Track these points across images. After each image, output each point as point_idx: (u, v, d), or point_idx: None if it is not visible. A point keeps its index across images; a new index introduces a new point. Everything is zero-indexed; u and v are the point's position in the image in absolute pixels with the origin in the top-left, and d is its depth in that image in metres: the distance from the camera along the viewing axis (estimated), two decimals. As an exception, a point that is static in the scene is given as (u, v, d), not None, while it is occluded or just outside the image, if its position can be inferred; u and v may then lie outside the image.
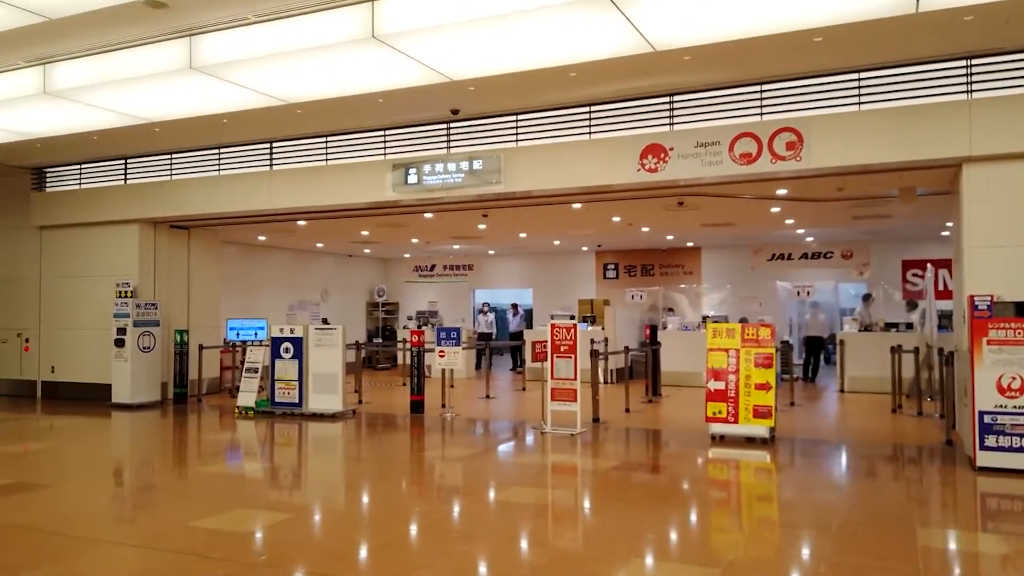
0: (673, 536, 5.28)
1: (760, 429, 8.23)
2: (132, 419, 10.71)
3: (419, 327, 16.99)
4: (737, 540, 5.16)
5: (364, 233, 15.31)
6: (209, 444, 9.35)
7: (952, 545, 5.05)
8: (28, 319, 13.02)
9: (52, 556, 4.73)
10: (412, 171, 10.00)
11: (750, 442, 8.21)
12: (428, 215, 12.22)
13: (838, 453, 8.21)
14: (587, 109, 9.32)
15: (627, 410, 10.71)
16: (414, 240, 16.74)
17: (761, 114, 8.48)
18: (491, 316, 19.30)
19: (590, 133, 9.33)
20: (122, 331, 11.49)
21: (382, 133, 10.39)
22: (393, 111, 9.51)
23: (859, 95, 8.07)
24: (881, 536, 5.04)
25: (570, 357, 9.04)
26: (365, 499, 6.42)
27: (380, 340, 20.07)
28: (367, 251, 19.80)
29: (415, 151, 10.21)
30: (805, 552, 4.82)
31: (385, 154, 10.39)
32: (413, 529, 5.42)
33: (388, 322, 21.08)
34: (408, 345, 11.68)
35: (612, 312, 15.56)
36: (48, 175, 12.90)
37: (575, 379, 8.99)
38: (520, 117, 9.63)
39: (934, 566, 4.59)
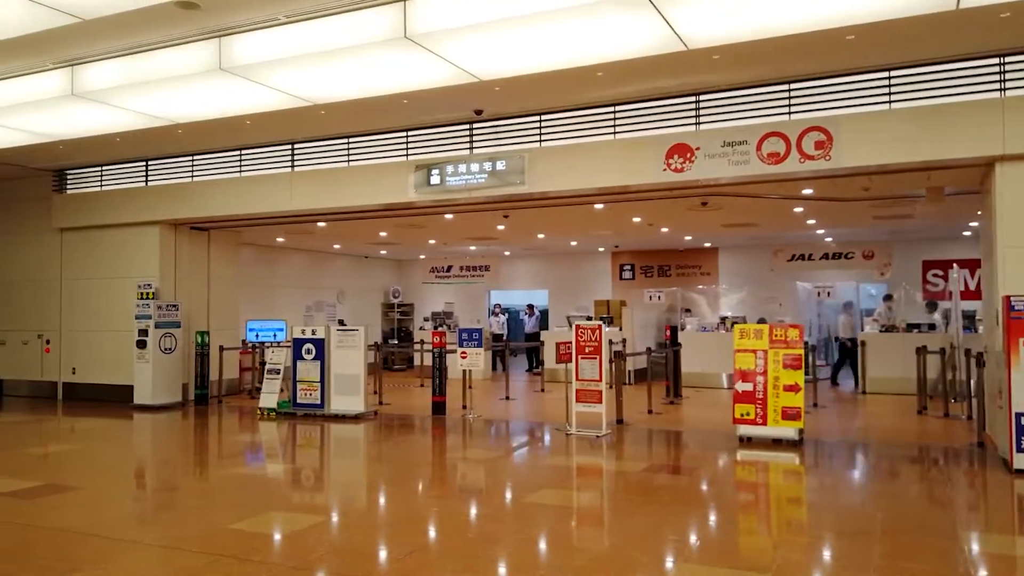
0: (715, 540, 5.22)
1: (789, 431, 8.16)
2: (155, 420, 10.71)
3: (435, 328, 16.99)
4: (781, 544, 5.10)
5: (383, 234, 15.31)
6: (235, 445, 9.34)
7: (997, 549, 4.98)
8: (49, 321, 13.05)
9: (90, 558, 4.71)
10: (435, 172, 9.97)
11: (778, 444, 8.14)
12: (449, 216, 12.19)
13: (869, 455, 8.12)
14: (612, 109, 9.27)
15: (650, 411, 10.65)
16: (431, 241, 16.73)
17: (789, 113, 8.42)
18: (503, 317, 19.29)
19: (615, 133, 9.28)
20: (144, 332, 11.51)
21: (404, 134, 10.37)
22: (417, 112, 9.48)
23: (889, 93, 8.00)
24: (925, 540, 4.98)
25: (595, 358, 8.99)
26: (397, 502, 6.38)
27: (396, 341, 20.06)
28: (383, 252, 19.81)
29: (437, 152, 10.19)
30: (852, 556, 4.75)
31: (407, 155, 10.37)
32: (449, 533, 5.38)
33: (403, 323, 21.08)
34: (429, 347, 11.66)
35: (630, 313, 15.49)
36: (69, 177, 12.94)
37: (600, 380, 8.94)
38: (544, 117, 9.59)
39: (982, 570, 4.52)
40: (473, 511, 6.01)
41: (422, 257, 20.73)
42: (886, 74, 7.99)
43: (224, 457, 8.72)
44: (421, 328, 18.56)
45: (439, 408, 10.75)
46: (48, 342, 13.00)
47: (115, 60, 7.48)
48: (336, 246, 18.17)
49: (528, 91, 8.66)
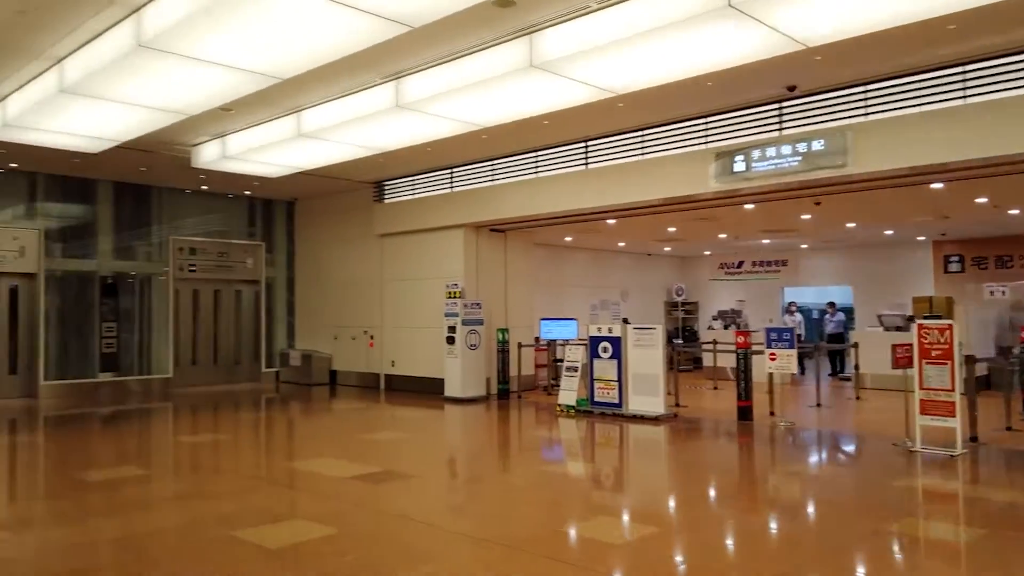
0: None
1: None
2: (464, 413, 11.28)
3: (725, 328, 16.07)
4: None
5: (671, 229, 14.79)
6: (545, 441, 9.41)
7: None
8: (372, 318, 14.47)
9: (440, 551, 4.81)
10: (739, 158, 9.24)
11: None
12: (749, 206, 11.32)
13: None
14: (960, 69, 7.83)
15: (1008, 428, 8.88)
16: (722, 235, 15.84)
17: None
18: (798, 316, 17.72)
19: (964, 97, 7.83)
20: (452, 329, 12.21)
21: (703, 120, 9.76)
22: (720, 94, 8.82)
23: None
24: None
25: (945, 364, 7.62)
26: (734, 517, 5.81)
27: (680, 341, 19.41)
28: (666, 249, 19.28)
29: (739, 137, 9.43)
30: None
31: (706, 143, 9.75)
32: (814, 560, 4.70)
33: (688, 322, 20.36)
34: (721, 346, 10.95)
35: (964, 311, 13.25)
36: (386, 188, 14.23)
37: (952, 390, 7.56)
38: (871, 87, 8.40)
39: None
40: (831, 536, 5.24)
41: (707, 253, 19.86)
42: None
43: (535, 451, 8.81)
44: (709, 328, 17.71)
45: (745, 413, 9.96)
46: (372, 337, 14.42)
47: (434, 69, 7.85)
48: (620, 244, 18.02)
49: (854, 57, 7.60)
